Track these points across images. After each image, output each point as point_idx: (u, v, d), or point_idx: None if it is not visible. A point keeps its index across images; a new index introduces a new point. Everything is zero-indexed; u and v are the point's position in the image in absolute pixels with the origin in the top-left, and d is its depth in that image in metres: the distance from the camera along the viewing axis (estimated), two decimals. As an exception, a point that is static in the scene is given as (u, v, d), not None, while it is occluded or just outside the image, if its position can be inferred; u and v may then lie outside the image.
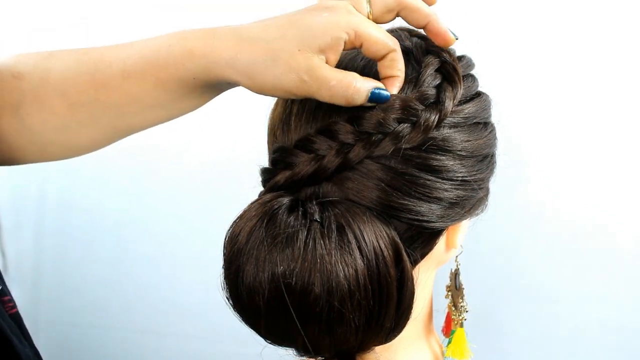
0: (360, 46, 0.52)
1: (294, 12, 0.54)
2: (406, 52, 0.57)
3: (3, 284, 0.65)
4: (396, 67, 0.53)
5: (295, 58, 0.51)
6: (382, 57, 0.53)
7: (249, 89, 0.55)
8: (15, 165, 0.70)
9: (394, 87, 0.53)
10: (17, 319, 0.65)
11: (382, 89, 0.52)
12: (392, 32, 0.59)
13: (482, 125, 0.56)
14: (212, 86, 0.59)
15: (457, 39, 0.56)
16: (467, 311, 0.65)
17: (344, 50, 0.52)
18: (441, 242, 0.56)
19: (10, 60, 0.66)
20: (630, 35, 1.01)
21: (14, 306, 0.66)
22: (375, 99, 0.52)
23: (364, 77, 0.52)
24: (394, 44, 0.53)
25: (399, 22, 0.58)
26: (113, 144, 0.72)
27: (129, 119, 0.64)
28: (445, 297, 0.66)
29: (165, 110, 0.63)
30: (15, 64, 0.65)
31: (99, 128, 0.65)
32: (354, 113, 0.52)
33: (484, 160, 0.56)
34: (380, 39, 0.52)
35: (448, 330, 0.66)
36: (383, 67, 0.53)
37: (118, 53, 0.61)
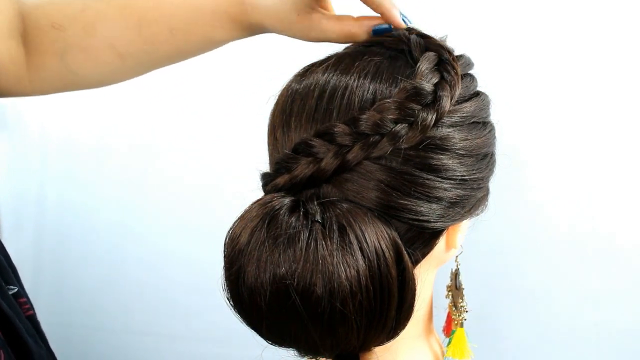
0: None
1: None
2: (402, 51, 0.57)
3: (20, 286, 0.66)
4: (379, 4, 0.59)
5: (297, 25, 0.63)
6: None
7: None
8: (43, 95, 0.77)
9: (392, 17, 0.59)
10: (33, 320, 0.66)
11: (380, 25, 0.60)
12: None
13: (480, 125, 0.56)
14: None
15: (408, 25, 0.60)
16: (467, 311, 0.66)
17: None
18: (441, 242, 0.56)
19: (44, 9, 0.71)
20: (630, 36, 1.01)
21: (30, 308, 0.66)
22: (376, 34, 0.60)
23: (359, 19, 0.61)
24: None
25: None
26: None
27: (174, 62, 0.73)
28: (446, 297, 0.66)
29: (209, 51, 0.72)
30: (51, 13, 0.70)
31: (146, 69, 0.73)
32: (352, 115, 0.52)
33: (484, 159, 0.56)
34: None
35: (449, 330, 0.66)
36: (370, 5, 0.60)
37: (160, 9, 0.68)
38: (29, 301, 0.66)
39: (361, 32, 0.61)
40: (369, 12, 0.61)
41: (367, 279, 0.48)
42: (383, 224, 0.50)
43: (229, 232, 0.52)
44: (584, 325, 1.08)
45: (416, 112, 0.51)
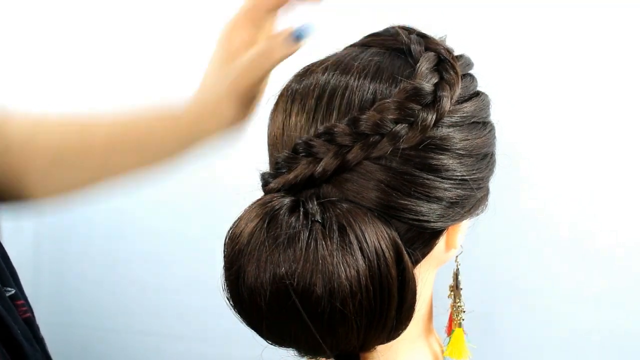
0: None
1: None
2: (402, 51, 0.57)
3: (18, 289, 0.65)
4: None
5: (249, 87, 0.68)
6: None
7: None
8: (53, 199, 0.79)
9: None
10: (30, 323, 0.65)
11: (297, 29, 0.64)
12: (390, 29, 0.60)
13: (481, 125, 0.56)
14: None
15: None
16: (463, 311, 0.66)
17: None
18: (441, 242, 0.56)
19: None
20: (630, 36, 1.01)
21: (28, 311, 0.66)
22: (299, 38, 0.64)
23: (275, 36, 0.64)
24: None
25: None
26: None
27: (111, 177, 0.75)
28: (448, 297, 0.66)
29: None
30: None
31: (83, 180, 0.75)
32: (352, 115, 0.52)
33: (484, 159, 0.56)
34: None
35: (450, 330, 0.66)
36: None
37: (102, 122, 0.71)
38: (27, 304, 0.66)
39: (285, 44, 0.63)
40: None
41: (367, 279, 0.48)
42: (383, 224, 0.50)
43: (229, 232, 0.52)
44: (586, 325, 1.08)
45: (416, 112, 0.51)
